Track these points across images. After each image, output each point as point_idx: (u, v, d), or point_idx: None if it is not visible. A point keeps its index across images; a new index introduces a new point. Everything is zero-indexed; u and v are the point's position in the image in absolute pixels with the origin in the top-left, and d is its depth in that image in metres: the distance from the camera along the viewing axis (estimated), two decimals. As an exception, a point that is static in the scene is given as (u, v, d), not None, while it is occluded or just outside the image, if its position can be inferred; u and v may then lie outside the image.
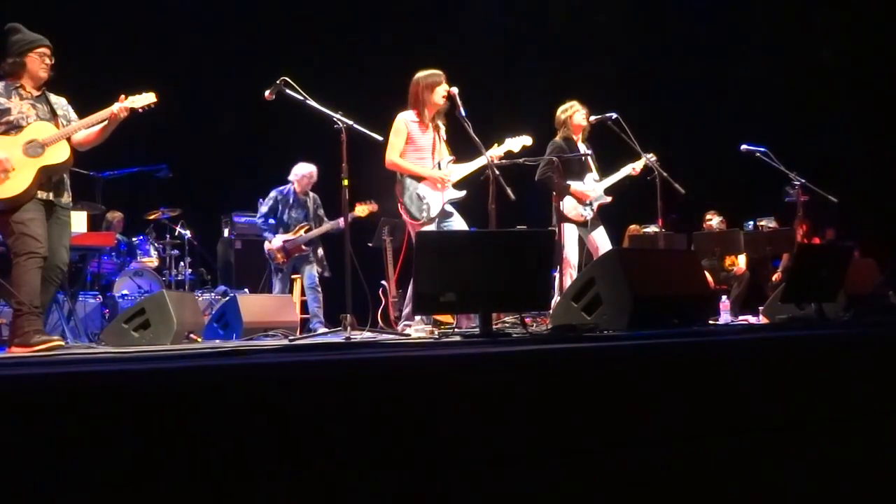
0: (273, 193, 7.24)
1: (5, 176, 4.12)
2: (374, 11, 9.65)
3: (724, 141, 7.94)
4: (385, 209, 6.87)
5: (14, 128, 4.25)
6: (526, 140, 5.45)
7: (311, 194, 7.30)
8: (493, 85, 9.09)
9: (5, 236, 4.26)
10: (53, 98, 4.49)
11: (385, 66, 8.24)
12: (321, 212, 7.30)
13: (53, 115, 4.41)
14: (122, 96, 4.44)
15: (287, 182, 7.28)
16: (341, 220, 6.92)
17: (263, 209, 7.22)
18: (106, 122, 4.41)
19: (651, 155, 6.08)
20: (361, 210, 6.99)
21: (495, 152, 5.26)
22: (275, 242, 7.07)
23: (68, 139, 4.35)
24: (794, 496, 2.66)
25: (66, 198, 4.44)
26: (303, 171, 7.22)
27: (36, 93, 4.40)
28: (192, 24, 8.91)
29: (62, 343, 4.21)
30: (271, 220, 7.18)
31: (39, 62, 4.37)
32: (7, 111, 4.26)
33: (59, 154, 4.29)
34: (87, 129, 4.42)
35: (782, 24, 10.00)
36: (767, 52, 9.99)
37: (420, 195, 5.13)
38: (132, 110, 4.46)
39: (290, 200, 7.20)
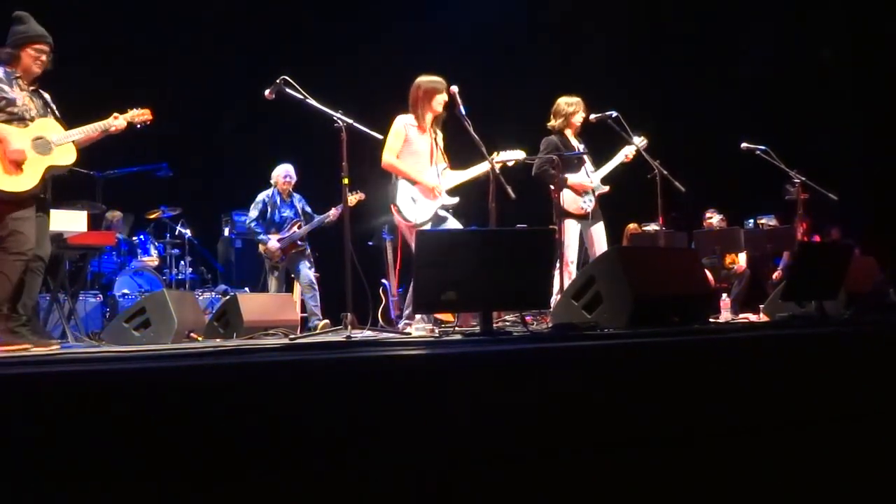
0: (260, 196, 7.36)
1: (18, 170, 4.11)
2: (373, 9, 9.63)
3: (724, 139, 7.92)
4: (384, 206, 6.86)
5: (18, 119, 4.21)
6: (518, 154, 5.40)
7: (296, 195, 7.42)
8: (493, 79, 9.06)
9: None
10: (43, 94, 4.48)
11: (385, 64, 8.24)
12: (308, 209, 7.42)
13: (46, 112, 4.40)
14: (115, 115, 4.55)
15: (269, 185, 7.38)
16: (332, 211, 7.05)
17: (253, 214, 7.32)
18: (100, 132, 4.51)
19: (641, 139, 6.02)
20: (349, 200, 7.00)
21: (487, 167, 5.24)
22: (270, 243, 7.15)
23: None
24: (795, 496, 2.66)
25: (49, 192, 4.43)
26: (279, 173, 7.36)
27: (30, 87, 4.38)
28: (191, 23, 8.89)
29: (28, 347, 4.00)
30: (261, 221, 7.23)
31: (34, 58, 4.33)
32: (13, 102, 4.22)
33: (67, 156, 4.32)
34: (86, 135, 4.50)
35: (782, 23, 9.99)
36: (767, 52, 9.97)
37: (413, 199, 5.14)
38: (129, 124, 4.57)
39: (277, 201, 7.33)
